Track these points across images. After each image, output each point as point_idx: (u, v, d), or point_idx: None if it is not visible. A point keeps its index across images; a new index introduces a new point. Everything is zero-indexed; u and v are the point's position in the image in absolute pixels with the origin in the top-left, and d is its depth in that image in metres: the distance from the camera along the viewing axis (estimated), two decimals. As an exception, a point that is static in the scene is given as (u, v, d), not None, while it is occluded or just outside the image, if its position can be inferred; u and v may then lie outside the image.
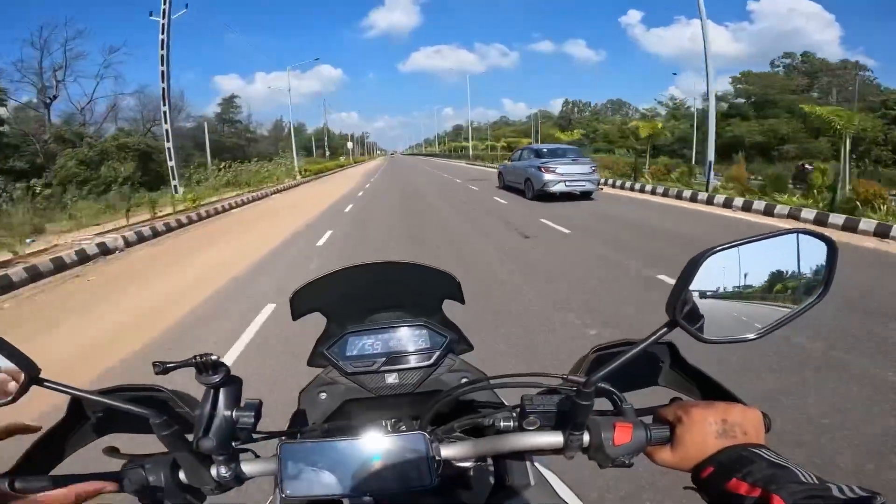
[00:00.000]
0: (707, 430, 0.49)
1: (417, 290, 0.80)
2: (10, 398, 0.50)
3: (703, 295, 0.50)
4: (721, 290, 0.51)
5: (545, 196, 11.94)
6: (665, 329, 0.50)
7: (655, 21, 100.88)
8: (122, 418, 0.62)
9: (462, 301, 0.78)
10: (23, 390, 0.49)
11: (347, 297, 0.78)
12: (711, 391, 0.61)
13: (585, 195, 12.20)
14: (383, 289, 0.79)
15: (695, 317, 0.50)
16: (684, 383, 0.65)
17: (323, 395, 0.78)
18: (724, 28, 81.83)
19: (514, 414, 0.59)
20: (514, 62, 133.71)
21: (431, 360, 0.77)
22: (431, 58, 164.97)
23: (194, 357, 0.51)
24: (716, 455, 0.47)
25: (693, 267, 0.48)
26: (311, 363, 0.81)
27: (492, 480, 0.72)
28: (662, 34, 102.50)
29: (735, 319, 0.52)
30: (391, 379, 0.77)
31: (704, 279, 0.49)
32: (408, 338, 0.79)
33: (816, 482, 0.41)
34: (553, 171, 11.91)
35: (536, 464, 0.73)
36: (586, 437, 0.53)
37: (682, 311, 0.49)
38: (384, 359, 0.77)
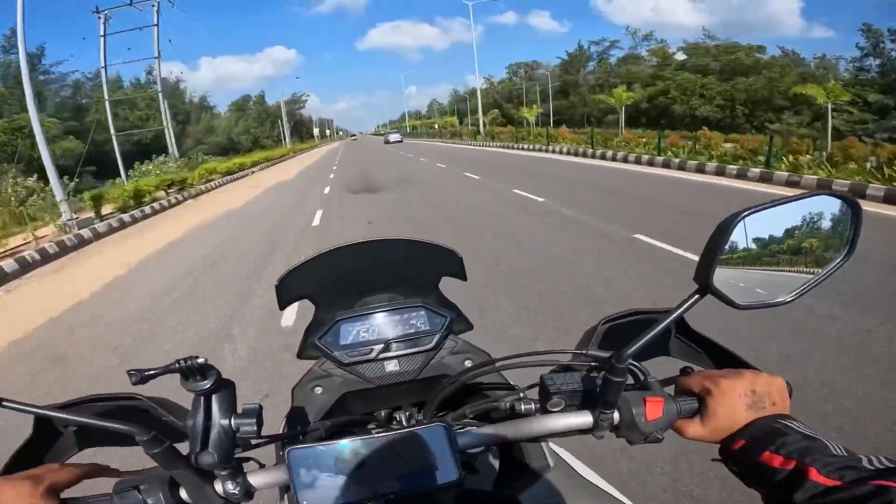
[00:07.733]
0: (737, 402, 0.48)
1: (412, 269, 0.76)
2: None
3: (726, 262, 0.48)
4: (744, 256, 0.50)
5: (388, 143, 45.96)
6: (696, 297, 0.48)
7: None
8: (101, 432, 0.56)
9: (464, 278, 0.73)
10: None
11: (337, 281, 0.74)
12: (723, 359, 0.60)
13: (398, 143, 43.97)
14: (375, 269, 0.74)
15: (722, 283, 0.47)
16: (693, 352, 0.64)
17: (318, 390, 0.73)
18: None
19: (533, 395, 0.56)
20: (479, 36, 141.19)
21: (432, 344, 0.74)
22: (390, 34, 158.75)
23: (177, 361, 0.44)
24: (747, 427, 0.47)
25: (723, 232, 0.46)
26: (301, 355, 0.75)
27: (495, 463, 0.70)
28: (625, 4, 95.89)
29: (762, 285, 0.51)
30: (391, 367, 0.73)
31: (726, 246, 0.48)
32: (405, 321, 0.75)
33: (846, 454, 0.41)
34: (389, 135, 52.70)
35: (551, 444, 0.72)
36: (616, 415, 0.51)
37: (712, 277, 0.46)
38: (382, 345, 0.73)
